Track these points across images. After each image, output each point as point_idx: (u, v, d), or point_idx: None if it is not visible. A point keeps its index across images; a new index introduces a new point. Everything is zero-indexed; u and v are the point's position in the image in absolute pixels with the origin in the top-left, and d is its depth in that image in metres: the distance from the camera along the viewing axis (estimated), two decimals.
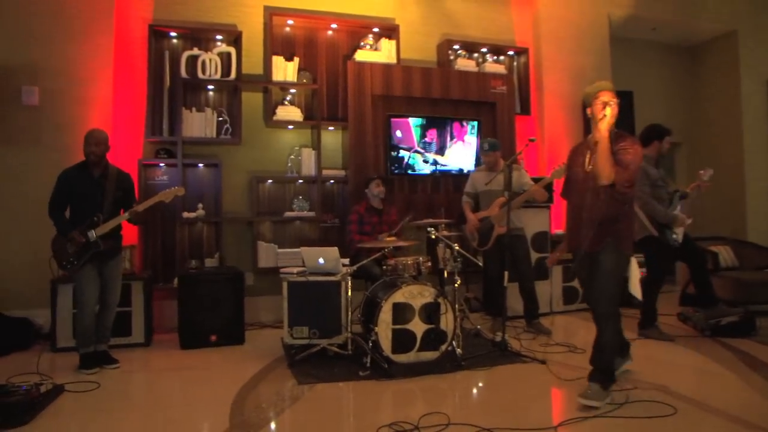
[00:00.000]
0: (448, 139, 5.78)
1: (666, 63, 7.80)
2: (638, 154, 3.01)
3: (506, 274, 4.07)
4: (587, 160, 3.13)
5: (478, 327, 4.61)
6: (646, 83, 7.48)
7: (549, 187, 5.45)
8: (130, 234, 4.99)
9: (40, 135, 3.73)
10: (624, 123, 6.15)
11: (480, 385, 3.48)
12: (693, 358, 3.94)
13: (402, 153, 5.59)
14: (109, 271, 3.87)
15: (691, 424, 2.76)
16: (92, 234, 3.70)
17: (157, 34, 5.25)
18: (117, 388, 3.47)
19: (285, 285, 4.05)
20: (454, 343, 3.81)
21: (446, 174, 5.80)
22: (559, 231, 6.01)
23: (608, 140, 2.95)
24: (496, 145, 4.90)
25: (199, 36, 5.41)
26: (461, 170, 5.80)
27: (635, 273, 3.27)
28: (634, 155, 2.99)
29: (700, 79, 7.84)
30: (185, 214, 5.12)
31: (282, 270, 4.34)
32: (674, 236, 4.32)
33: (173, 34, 5.33)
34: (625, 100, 6.35)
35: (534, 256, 5.19)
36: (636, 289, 3.21)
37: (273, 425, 2.84)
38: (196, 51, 5.28)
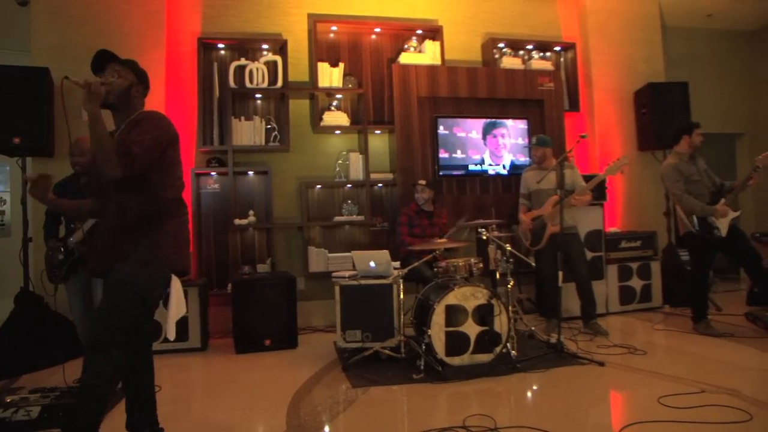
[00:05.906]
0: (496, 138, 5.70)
1: (723, 50, 7.45)
2: (153, 139, 2.36)
3: (561, 274, 3.98)
4: None
5: (533, 328, 4.51)
6: (702, 73, 7.16)
7: (602, 184, 5.31)
8: None
9: None
10: (680, 116, 5.94)
11: (537, 387, 3.39)
12: (764, 359, 3.73)
13: (449, 154, 5.54)
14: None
15: None
16: (70, 241, 3.62)
17: (205, 46, 5.40)
18: (177, 392, 3.57)
19: (337, 289, 4.06)
20: (508, 345, 3.74)
21: (495, 174, 5.71)
22: (613, 229, 5.84)
23: (95, 121, 2.31)
24: (545, 141, 4.80)
25: (246, 46, 5.53)
26: (510, 170, 5.70)
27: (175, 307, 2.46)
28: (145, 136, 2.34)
29: (762, 65, 7.46)
30: (237, 221, 5.22)
31: (334, 274, 4.37)
32: (716, 230, 4.35)
33: (221, 45, 5.47)
34: (681, 92, 6.09)
35: (588, 255, 5.05)
36: (171, 331, 2.44)
37: (329, 428, 2.85)
38: (243, 61, 5.40)
